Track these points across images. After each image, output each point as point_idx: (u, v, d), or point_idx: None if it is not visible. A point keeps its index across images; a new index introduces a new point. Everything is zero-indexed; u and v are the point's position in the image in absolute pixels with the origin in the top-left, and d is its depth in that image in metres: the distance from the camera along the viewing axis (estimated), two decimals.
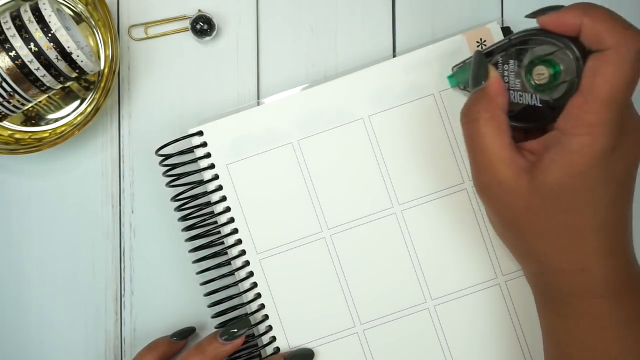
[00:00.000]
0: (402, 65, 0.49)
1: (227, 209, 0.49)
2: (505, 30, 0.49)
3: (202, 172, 0.50)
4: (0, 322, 0.53)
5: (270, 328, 0.49)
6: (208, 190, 0.49)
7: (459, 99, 0.49)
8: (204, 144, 0.49)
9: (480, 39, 0.49)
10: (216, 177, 0.49)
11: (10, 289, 0.52)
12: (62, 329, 0.52)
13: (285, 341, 0.49)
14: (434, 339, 0.49)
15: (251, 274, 0.49)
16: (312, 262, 0.49)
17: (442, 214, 0.49)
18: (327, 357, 0.49)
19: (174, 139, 0.49)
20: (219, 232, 0.50)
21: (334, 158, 0.50)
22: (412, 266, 0.49)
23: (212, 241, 0.49)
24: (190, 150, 0.50)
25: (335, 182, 0.49)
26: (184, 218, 0.49)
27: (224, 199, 0.49)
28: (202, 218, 0.50)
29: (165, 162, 0.49)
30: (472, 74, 0.43)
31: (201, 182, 0.49)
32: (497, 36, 0.49)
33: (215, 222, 0.50)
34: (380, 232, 0.49)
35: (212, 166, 0.49)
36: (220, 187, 0.49)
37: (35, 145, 0.50)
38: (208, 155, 0.49)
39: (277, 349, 0.49)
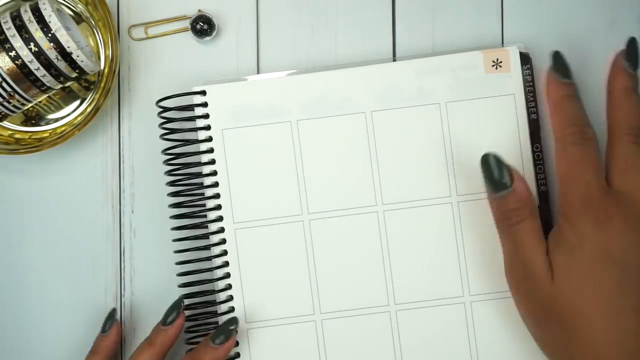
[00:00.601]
0: (415, 68, 0.50)
1: (214, 173, 0.49)
2: (523, 57, 0.49)
3: (197, 132, 0.50)
4: (0, 321, 0.53)
5: (231, 298, 0.49)
6: (199, 151, 0.50)
7: (465, 113, 0.49)
8: (205, 104, 0.49)
9: (497, 59, 0.49)
10: (209, 139, 0.49)
11: (10, 289, 0.52)
12: (62, 329, 0.52)
13: (243, 312, 0.49)
14: (389, 343, 0.49)
15: (223, 241, 0.49)
16: (285, 242, 0.49)
17: (423, 223, 0.49)
18: (281, 339, 0.49)
19: (176, 93, 0.50)
20: (202, 195, 0.50)
21: (329, 145, 0.50)
22: (383, 267, 0.49)
23: (192, 201, 0.49)
24: (190, 108, 0.50)
25: (325, 169, 0.49)
26: (169, 172, 0.49)
27: (212, 162, 0.49)
28: (188, 177, 0.50)
29: (164, 115, 0.50)
30: None
31: (194, 141, 0.49)
32: (515, 60, 0.49)
33: (201, 184, 0.50)
34: (358, 228, 0.49)
35: (208, 127, 0.49)
36: (211, 150, 0.49)
37: (35, 145, 0.50)
38: (206, 117, 0.49)
39: (236, 319, 0.48)
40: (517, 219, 0.44)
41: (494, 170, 0.44)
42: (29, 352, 0.52)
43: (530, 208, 0.44)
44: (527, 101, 0.50)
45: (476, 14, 0.52)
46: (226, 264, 0.49)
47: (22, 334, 0.52)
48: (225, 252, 0.49)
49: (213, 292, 0.49)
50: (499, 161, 0.45)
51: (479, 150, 0.49)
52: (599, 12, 0.52)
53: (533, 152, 0.50)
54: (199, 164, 0.50)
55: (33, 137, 0.52)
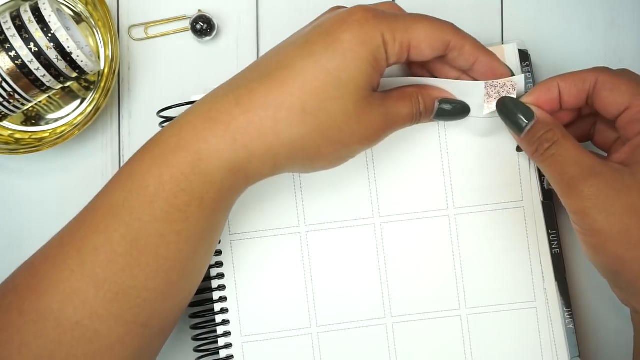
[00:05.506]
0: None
1: None
2: (522, 53, 0.49)
3: None
4: None
5: (226, 310, 0.49)
6: None
7: (461, 121, 0.49)
8: None
9: None
10: None
11: None
12: None
13: (238, 325, 0.48)
14: (385, 356, 0.49)
15: (219, 252, 0.49)
16: (282, 255, 0.49)
17: (420, 235, 0.49)
18: (278, 352, 0.49)
19: (176, 103, 0.49)
20: None
21: None
22: (380, 280, 0.49)
23: None
24: None
25: (320, 182, 0.49)
26: None
27: None
28: None
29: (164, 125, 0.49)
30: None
31: None
32: (513, 57, 0.48)
33: None
34: (356, 239, 0.49)
35: None
36: None
37: (35, 145, 0.50)
38: None
39: (228, 333, 0.48)
40: (551, 141, 0.42)
41: (513, 110, 0.44)
42: None
43: (560, 130, 0.42)
44: None
45: (476, 15, 0.52)
46: (221, 275, 0.49)
47: None
48: (220, 264, 0.49)
49: (211, 302, 0.49)
50: (513, 100, 0.44)
51: (478, 157, 0.48)
52: (599, 11, 0.52)
53: None
54: None
55: (33, 137, 0.52)
